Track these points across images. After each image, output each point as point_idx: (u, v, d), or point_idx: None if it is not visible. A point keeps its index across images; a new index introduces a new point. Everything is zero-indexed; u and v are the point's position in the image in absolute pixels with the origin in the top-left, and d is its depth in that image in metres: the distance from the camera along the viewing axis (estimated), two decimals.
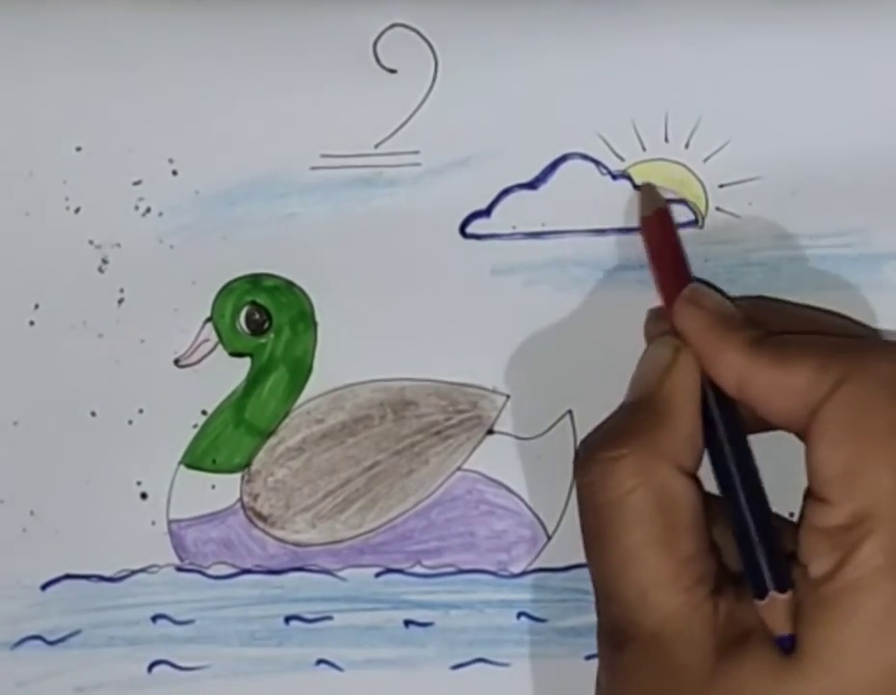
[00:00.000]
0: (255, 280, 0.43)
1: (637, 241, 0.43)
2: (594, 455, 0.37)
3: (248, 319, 0.43)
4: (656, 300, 0.43)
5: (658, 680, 0.36)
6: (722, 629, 0.36)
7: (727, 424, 0.38)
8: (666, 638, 0.36)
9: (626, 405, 0.39)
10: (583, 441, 0.39)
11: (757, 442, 0.39)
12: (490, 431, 0.44)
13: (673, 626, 0.36)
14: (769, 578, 0.36)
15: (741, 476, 0.38)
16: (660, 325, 0.40)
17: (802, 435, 0.37)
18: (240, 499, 0.44)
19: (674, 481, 0.37)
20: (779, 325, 0.39)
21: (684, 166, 0.43)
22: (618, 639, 0.37)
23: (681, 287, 0.40)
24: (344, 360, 0.43)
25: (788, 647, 0.35)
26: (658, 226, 0.42)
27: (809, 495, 0.36)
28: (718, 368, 0.38)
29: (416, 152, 0.43)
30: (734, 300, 0.40)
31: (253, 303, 0.43)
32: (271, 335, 0.43)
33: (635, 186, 0.43)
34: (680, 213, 0.43)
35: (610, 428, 0.38)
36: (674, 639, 0.36)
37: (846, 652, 0.35)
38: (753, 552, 0.37)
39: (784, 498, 0.39)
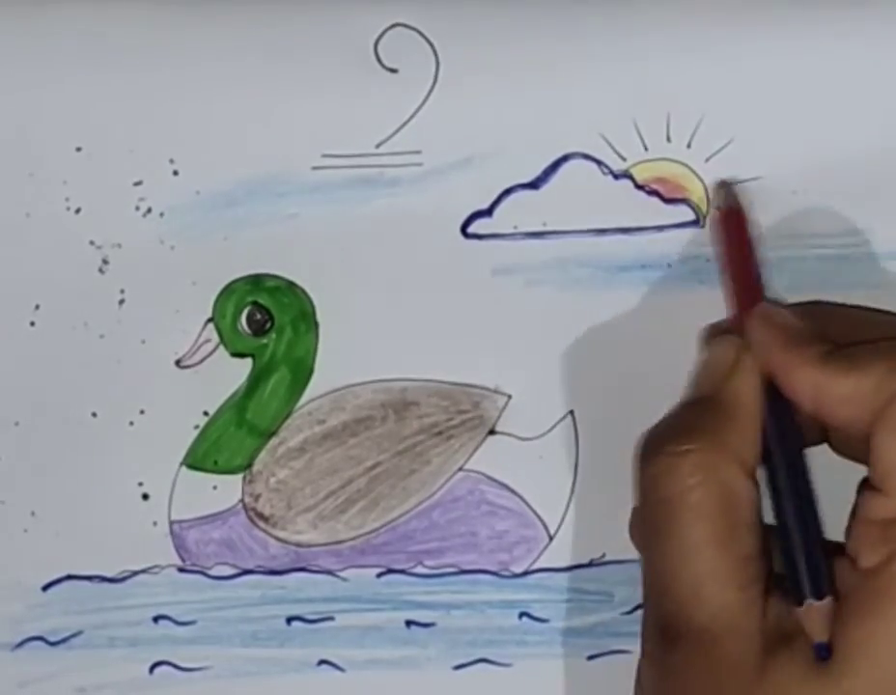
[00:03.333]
0: (256, 280, 0.43)
1: (637, 241, 0.43)
2: (660, 448, 0.37)
3: (249, 320, 0.43)
4: (656, 301, 0.43)
5: (708, 675, 0.36)
6: (770, 630, 0.36)
7: (785, 429, 0.38)
8: (718, 633, 0.36)
9: (689, 402, 0.39)
10: (646, 435, 0.38)
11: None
12: (492, 432, 0.43)
13: (725, 622, 0.36)
14: (807, 585, 0.36)
15: (791, 482, 0.38)
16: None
17: (867, 434, 0.37)
18: (242, 500, 0.44)
19: (737, 480, 0.37)
20: (838, 327, 0.39)
21: (685, 166, 0.43)
22: (670, 635, 0.37)
23: (750, 288, 0.40)
24: (345, 361, 0.43)
25: (824, 655, 0.35)
26: (732, 224, 0.41)
27: (865, 487, 0.37)
28: (794, 382, 0.38)
29: (417, 152, 0.43)
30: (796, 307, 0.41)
31: (254, 304, 0.43)
32: (273, 335, 0.43)
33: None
34: (681, 213, 0.43)
35: (676, 423, 0.38)
36: (725, 635, 0.36)
37: (886, 649, 0.35)
38: (794, 559, 0.37)
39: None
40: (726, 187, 0.42)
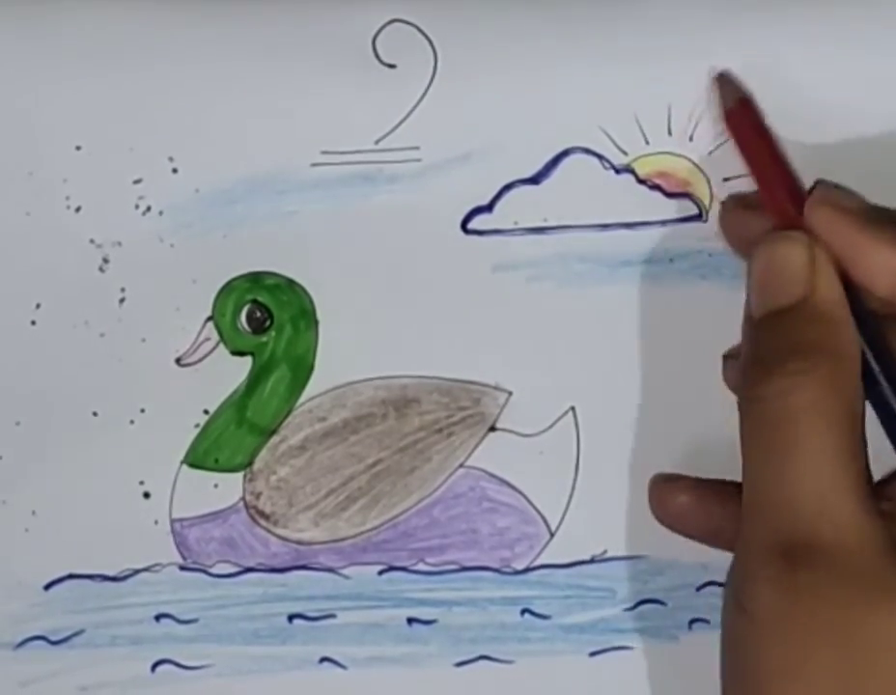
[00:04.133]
0: (256, 278, 0.43)
1: (639, 236, 0.43)
2: (778, 368, 0.36)
3: (249, 318, 0.43)
4: (658, 296, 0.43)
5: (846, 589, 0.35)
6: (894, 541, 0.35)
7: (870, 324, 0.37)
8: (850, 548, 0.35)
9: (776, 314, 0.37)
10: (749, 360, 0.37)
11: None
12: (493, 428, 0.43)
13: (856, 537, 0.35)
14: None
15: (888, 371, 0.37)
16: (748, 217, 0.40)
17: None
18: (243, 498, 0.44)
19: (856, 388, 0.36)
20: None
21: (687, 159, 0.43)
22: (796, 553, 0.35)
23: (783, 180, 0.39)
24: (345, 358, 0.43)
25: None
26: (746, 118, 0.40)
27: None
28: (871, 267, 0.37)
29: (417, 148, 0.43)
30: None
31: (254, 301, 0.43)
32: (272, 333, 0.43)
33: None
34: (684, 207, 0.43)
35: (781, 339, 0.37)
36: (857, 549, 0.35)
37: None
38: None
39: None
40: (728, 80, 0.41)
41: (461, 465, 0.43)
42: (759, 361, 0.37)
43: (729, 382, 0.41)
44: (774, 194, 0.39)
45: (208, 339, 0.43)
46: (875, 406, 0.37)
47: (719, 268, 0.43)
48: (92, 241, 0.43)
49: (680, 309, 0.43)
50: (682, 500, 0.41)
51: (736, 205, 0.41)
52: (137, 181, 0.43)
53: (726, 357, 0.41)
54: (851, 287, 0.37)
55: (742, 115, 0.40)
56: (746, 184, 0.42)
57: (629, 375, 0.43)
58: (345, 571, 0.44)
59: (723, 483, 0.40)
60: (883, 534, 0.35)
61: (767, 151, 0.40)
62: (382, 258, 0.43)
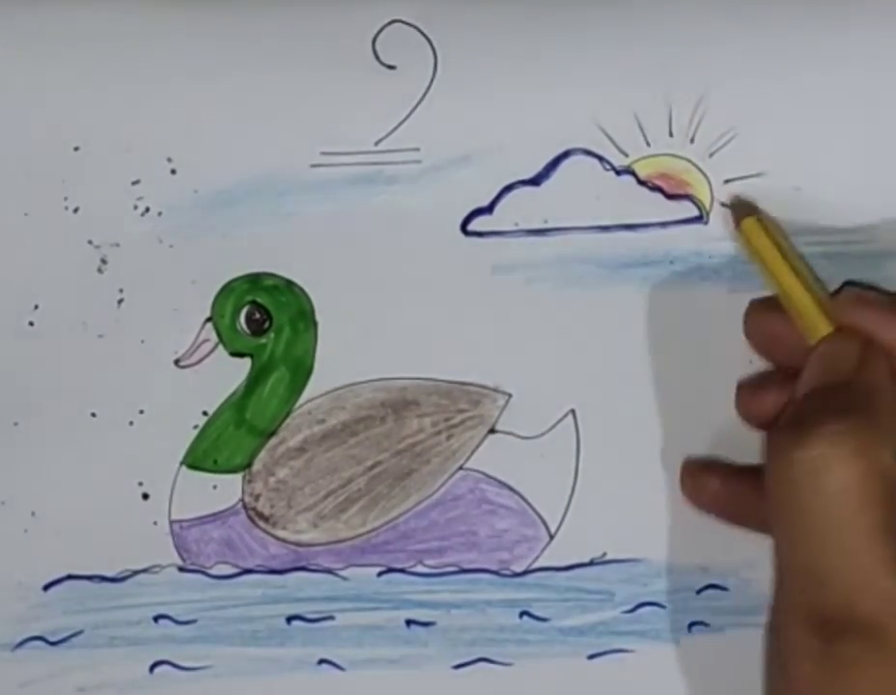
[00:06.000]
0: (255, 279, 0.43)
1: (640, 238, 0.43)
2: (816, 428, 0.36)
3: (248, 319, 0.43)
4: (659, 298, 0.43)
5: (881, 667, 0.35)
6: None
7: None
8: (890, 623, 0.35)
9: (821, 388, 0.38)
10: (787, 419, 0.38)
11: None
12: (492, 430, 0.43)
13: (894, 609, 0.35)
14: None
15: None
16: (773, 320, 0.40)
17: None
18: (242, 499, 0.44)
19: (892, 463, 0.36)
20: None
21: (688, 161, 0.42)
22: (834, 628, 0.36)
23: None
24: (344, 359, 0.43)
25: None
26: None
27: None
28: None
29: (416, 150, 0.42)
30: None
31: (253, 303, 0.43)
32: (271, 335, 0.43)
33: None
34: (684, 209, 0.43)
35: (823, 405, 0.37)
36: None
37: None
38: None
39: None
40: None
41: (460, 467, 0.43)
42: (798, 422, 0.37)
43: (742, 410, 0.41)
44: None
45: (206, 340, 0.43)
46: None
47: (720, 270, 0.43)
48: (90, 242, 0.43)
49: (680, 311, 0.43)
50: (714, 486, 0.42)
51: (759, 309, 0.41)
52: (136, 182, 0.43)
53: (740, 387, 0.42)
54: None
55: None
56: (747, 186, 0.42)
57: (629, 378, 0.43)
58: (343, 573, 0.44)
59: (754, 469, 0.40)
60: None
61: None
62: (382, 259, 0.43)
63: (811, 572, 0.36)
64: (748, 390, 0.41)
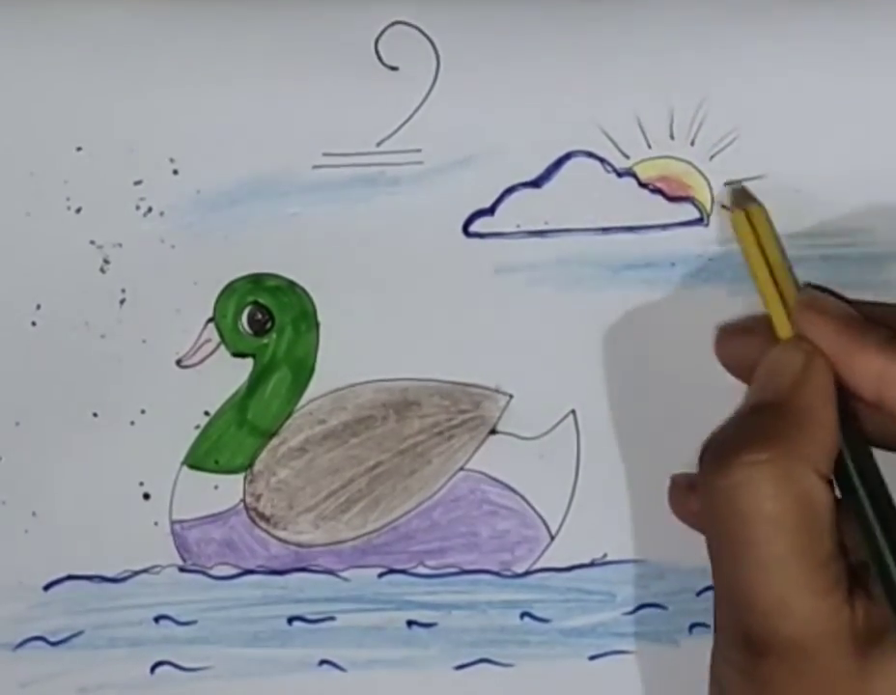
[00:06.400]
0: (257, 280, 0.43)
1: (640, 240, 0.43)
2: (734, 457, 0.36)
3: (250, 320, 0.43)
4: (659, 300, 0.43)
5: (804, 687, 0.36)
6: (861, 630, 0.36)
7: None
8: (809, 644, 0.35)
9: (757, 407, 0.38)
10: (714, 442, 0.38)
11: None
12: (493, 431, 0.43)
13: (815, 631, 0.35)
14: None
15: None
16: (745, 341, 0.40)
17: None
18: (243, 500, 0.44)
19: (815, 487, 0.36)
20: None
21: (689, 163, 0.43)
22: (757, 648, 0.36)
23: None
24: (346, 360, 0.43)
25: None
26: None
27: None
28: (855, 371, 0.37)
29: (418, 151, 0.43)
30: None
31: (255, 303, 0.43)
32: (273, 335, 0.43)
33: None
34: (685, 211, 0.43)
35: (748, 431, 0.37)
36: (817, 644, 0.36)
37: None
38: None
39: None
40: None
41: (461, 468, 0.43)
42: (720, 450, 0.37)
43: (673, 508, 0.42)
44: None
45: (208, 340, 0.43)
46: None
47: (720, 272, 0.43)
48: (92, 242, 0.43)
49: (681, 313, 0.43)
50: (695, 507, 0.41)
51: (731, 331, 0.42)
52: (138, 183, 0.43)
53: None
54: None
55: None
56: (748, 187, 0.42)
57: (629, 379, 0.43)
58: (344, 574, 0.44)
59: None
60: (849, 626, 0.36)
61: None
62: (384, 260, 0.43)
63: (735, 595, 0.37)
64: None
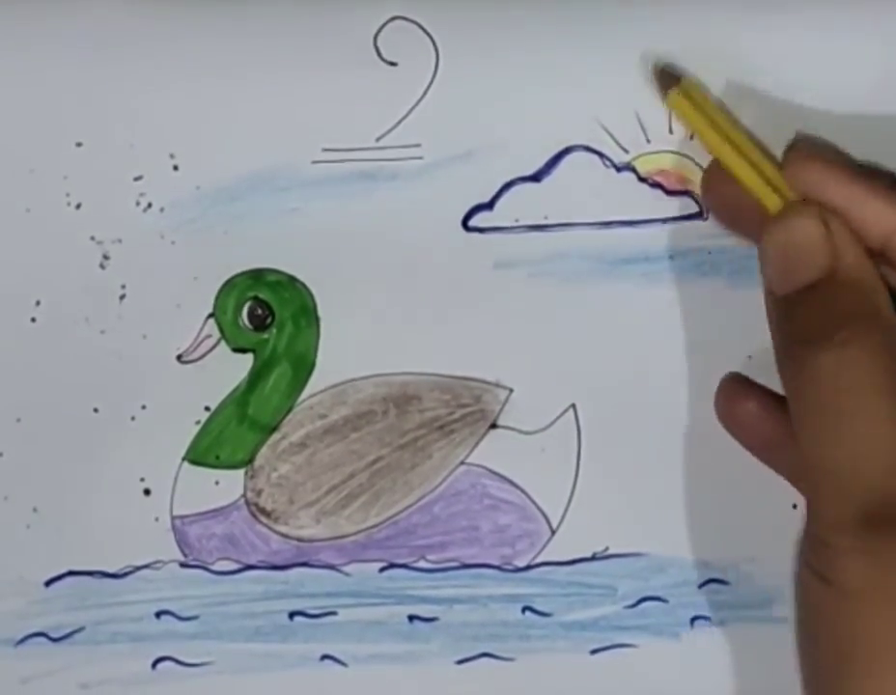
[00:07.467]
0: (257, 275, 0.43)
1: (640, 234, 0.43)
2: (823, 343, 0.35)
3: (250, 315, 0.43)
4: (659, 294, 0.43)
5: None
6: None
7: None
8: None
9: (808, 289, 0.37)
10: (792, 336, 0.36)
11: None
12: (494, 425, 0.43)
13: None
14: None
15: None
16: (724, 183, 0.40)
17: None
18: (244, 495, 0.44)
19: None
20: None
21: (688, 158, 0.43)
22: (875, 520, 0.35)
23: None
24: (346, 355, 0.43)
25: None
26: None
27: None
28: (864, 219, 0.36)
29: (418, 146, 0.43)
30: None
31: (255, 298, 0.43)
32: (274, 330, 0.43)
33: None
34: (684, 205, 0.43)
35: (821, 312, 0.36)
36: None
37: None
38: None
39: None
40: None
41: (461, 462, 0.43)
42: (801, 339, 0.36)
43: (719, 412, 0.41)
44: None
45: (209, 336, 0.43)
46: None
47: (720, 266, 0.43)
48: (92, 238, 0.43)
49: (680, 306, 0.43)
50: (750, 406, 0.41)
51: (719, 175, 0.40)
52: (138, 178, 0.43)
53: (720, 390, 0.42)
54: None
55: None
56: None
57: (629, 373, 0.43)
58: (346, 569, 0.44)
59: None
60: None
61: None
62: (383, 255, 0.43)
63: (843, 468, 0.35)
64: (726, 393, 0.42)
